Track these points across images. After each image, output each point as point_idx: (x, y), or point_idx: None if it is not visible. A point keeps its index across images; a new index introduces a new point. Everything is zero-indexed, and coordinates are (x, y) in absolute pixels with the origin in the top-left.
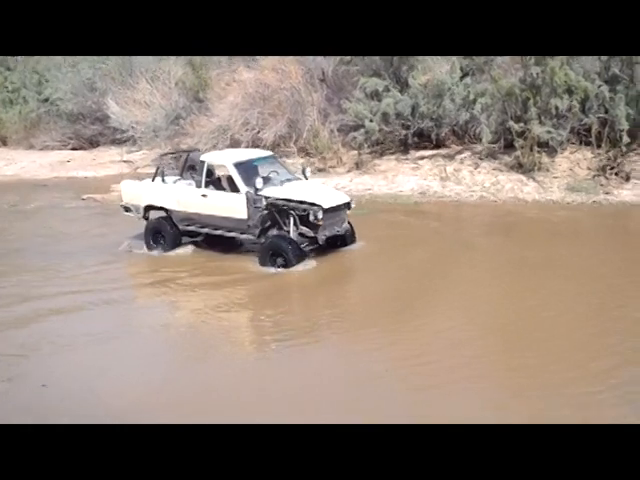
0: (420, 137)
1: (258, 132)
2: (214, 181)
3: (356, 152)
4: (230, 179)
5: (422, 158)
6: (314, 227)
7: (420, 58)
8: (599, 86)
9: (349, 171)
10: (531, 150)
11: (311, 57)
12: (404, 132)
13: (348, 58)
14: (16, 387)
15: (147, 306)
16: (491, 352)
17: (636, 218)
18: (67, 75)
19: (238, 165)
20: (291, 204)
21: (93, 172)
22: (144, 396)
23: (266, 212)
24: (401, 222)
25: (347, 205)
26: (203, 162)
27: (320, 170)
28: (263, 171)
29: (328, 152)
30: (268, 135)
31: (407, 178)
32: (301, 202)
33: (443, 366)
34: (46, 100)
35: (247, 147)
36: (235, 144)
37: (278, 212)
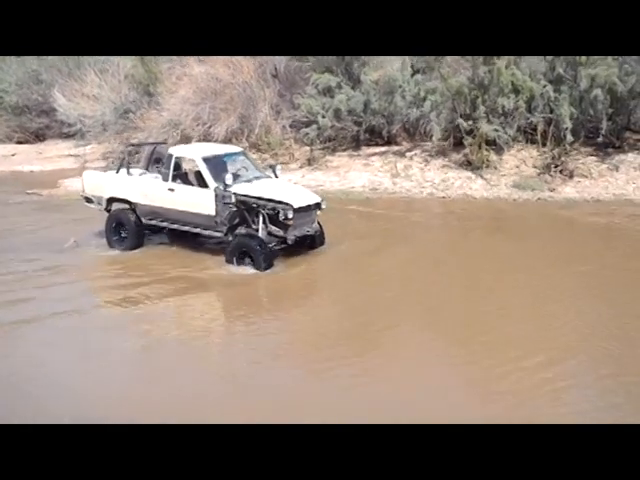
0: (372, 134)
1: (210, 127)
2: (181, 175)
3: (308, 148)
4: (198, 174)
5: (374, 155)
6: (284, 227)
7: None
8: (544, 86)
9: (301, 167)
10: (479, 148)
11: None
12: (356, 129)
13: None
14: None
15: (102, 312)
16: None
17: (578, 214)
18: (11, 67)
19: (207, 160)
20: (261, 202)
21: (39, 166)
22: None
23: (235, 209)
24: (357, 219)
25: (318, 205)
26: (171, 155)
27: (270, 167)
28: (233, 167)
29: (280, 148)
30: (219, 130)
31: (359, 174)
32: (271, 200)
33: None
34: None
35: (198, 142)
36: (186, 139)
37: (247, 210)
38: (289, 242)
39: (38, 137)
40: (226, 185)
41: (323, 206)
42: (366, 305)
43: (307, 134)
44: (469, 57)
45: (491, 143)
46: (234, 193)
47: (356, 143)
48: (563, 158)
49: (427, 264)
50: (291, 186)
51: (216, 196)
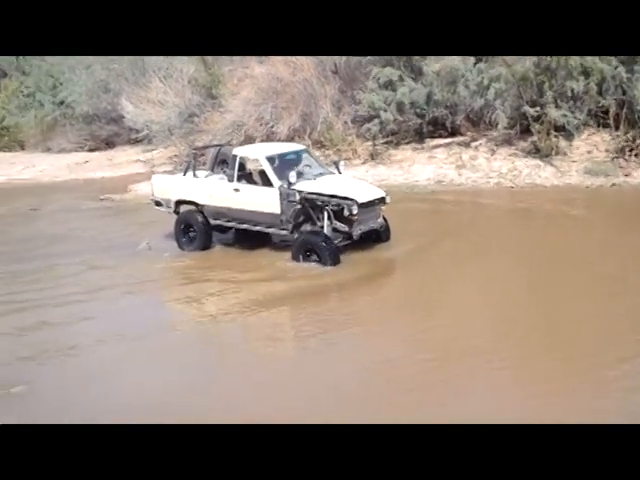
0: (435, 125)
1: (272, 126)
2: (246, 175)
3: (371, 143)
4: (262, 173)
5: (438, 146)
6: (349, 222)
7: None
8: (616, 67)
9: (364, 162)
10: (548, 134)
11: None
12: (419, 121)
13: None
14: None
15: (175, 305)
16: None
17: None
18: (81, 77)
19: (271, 159)
20: (325, 198)
21: (110, 172)
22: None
23: (299, 207)
24: (423, 212)
25: (382, 200)
26: (235, 156)
27: (333, 163)
28: (296, 165)
29: (343, 144)
30: (282, 129)
31: (423, 167)
32: (335, 197)
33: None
34: (61, 103)
35: (262, 142)
36: (249, 139)
37: (312, 207)
38: (354, 238)
39: (108, 144)
40: (290, 183)
41: (387, 200)
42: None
43: (369, 129)
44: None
45: (560, 129)
46: (298, 191)
47: (419, 136)
48: (638, 141)
49: (507, 262)
50: (355, 181)
51: (280, 194)
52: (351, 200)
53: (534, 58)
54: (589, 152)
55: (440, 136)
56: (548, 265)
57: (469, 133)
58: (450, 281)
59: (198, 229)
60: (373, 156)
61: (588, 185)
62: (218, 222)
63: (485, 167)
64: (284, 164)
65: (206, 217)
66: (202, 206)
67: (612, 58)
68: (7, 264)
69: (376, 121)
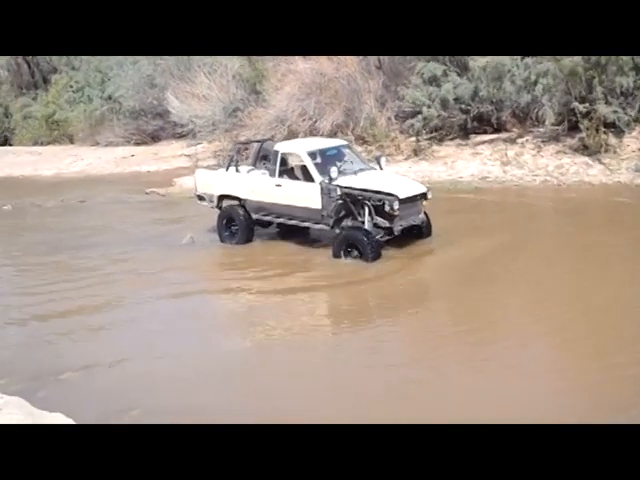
0: (480, 121)
1: (315, 122)
2: (287, 170)
3: (414, 139)
4: (304, 168)
5: (482, 143)
6: (390, 218)
7: None
8: None
9: (407, 158)
10: (597, 131)
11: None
12: (463, 117)
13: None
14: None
15: (224, 299)
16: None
17: None
18: (128, 73)
19: (312, 154)
20: (366, 194)
21: (155, 166)
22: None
23: (340, 202)
24: (466, 208)
25: (423, 195)
26: (277, 151)
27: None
28: (337, 160)
29: (386, 140)
30: (325, 125)
31: (467, 164)
32: (376, 192)
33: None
34: (109, 98)
35: (304, 137)
36: (292, 134)
37: (353, 202)
38: (395, 233)
39: (154, 138)
40: (331, 178)
41: (429, 196)
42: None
43: (413, 125)
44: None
45: (610, 125)
46: (339, 186)
47: (464, 132)
48: None
49: (553, 262)
50: (396, 177)
51: (322, 190)
52: (392, 195)
53: None
54: None
55: (485, 132)
56: (585, 266)
57: (515, 129)
58: (493, 278)
59: (240, 223)
60: (416, 152)
61: (638, 183)
62: (259, 216)
63: (531, 164)
64: (325, 159)
65: (248, 211)
66: (244, 201)
67: None
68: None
69: (419, 117)
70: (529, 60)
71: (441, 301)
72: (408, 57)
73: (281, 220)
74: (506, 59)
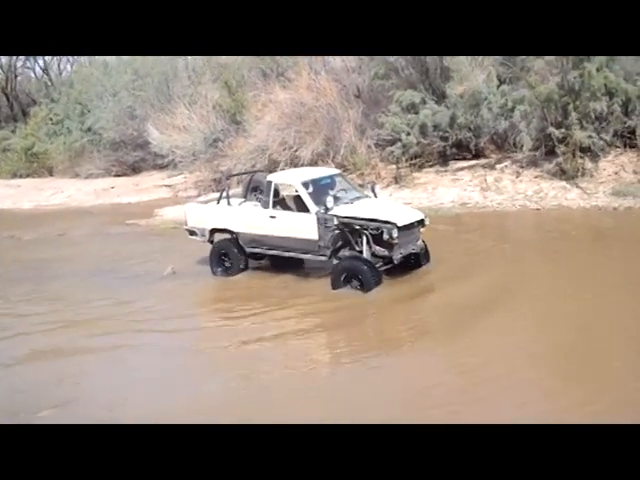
0: (459, 148)
1: (296, 151)
2: (280, 201)
3: (394, 166)
4: (297, 198)
5: (462, 169)
6: (389, 246)
7: (456, 68)
8: None
9: (388, 186)
10: (573, 156)
11: (345, 74)
12: (442, 144)
13: (383, 72)
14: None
15: (211, 332)
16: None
17: None
18: (108, 104)
19: (306, 184)
20: (364, 223)
21: (136, 197)
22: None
23: (337, 232)
24: (450, 236)
25: (421, 222)
26: (270, 182)
27: (360, 186)
28: (331, 190)
29: (366, 168)
30: (306, 153)
31: (447, 190)
32: (374, 220)
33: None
34: (89, 130)
35: (285, 166)
36: (273, 164)
37: (350, 232)
38: (395, 262)
39: (134, 170)
40: (327, 209)
41: (426, 222)
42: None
43: (392, 152)
44: (556, 63)
45: (586, 150)
46: (336, 216)
47: (443, 158)
48: None
49: (540, 285)
50: (392, 204)
51: (318, 220)
52: (391, 224)
53: (557, 79)
54: (616, 173)
55: (464, 158)
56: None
57: (493, 155)
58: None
59: (234, 257)
60: (397, 179)
61: (616, 207)
62: (254, 249)
63: (510, 189)
64: (319, 189)
65: (241, 245)
66: (237, 234)
67: (637, 78)
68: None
69: (399, 144)
70: (505, 87)
71: (442, 342)
72: (387, 85)
73: (276, 252)
74: (483, 86)
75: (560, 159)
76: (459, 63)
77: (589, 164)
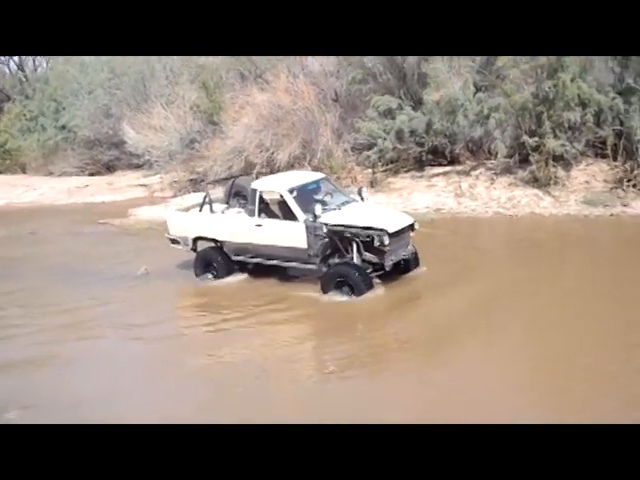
0: (434, 154)
1: (272, 153)
2: (264, 208)
3: (370, 171)
4: (282, 204)
5: (437, 175)
6: (380, 253)
7: (433, 75)
8: (613, 98)
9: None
10: (546, 164)
11: (323, 77)
12: (418, 150)
13: (360, 77)
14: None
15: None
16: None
17: None
18: (83, 102)
19: (293, 191)
20: (354, 230)
21: (110, 197)
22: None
23: (327, 240)
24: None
25: (411, 227)
26: (255, 190)
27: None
28: (318, 195)
29: (342, 172)
30: (282, 156)
31: (422, 195)
32: (365, 227)
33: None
34: (63, 127)
35: (262, 169)
36: (250, 166)
37: (340, 239)
38: (387, 268)
39: (109, 169)
40: (316, 216)
41: (416, 227)
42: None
43: (369, 157)
44: (531, 72)
45: (558, 159)
46: (325, 224)
47: (419, 164)
48: (636, 171)
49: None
50: (380, 209)
51: (307, 228)
52: (381, 230)
53: (532, 88)
54: (587, 182)
55: (439, 165)
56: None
57: (468, 162)
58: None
59: (219, 266)
60: (373, 184)
61: (586, 215)
62: (240, 257)
63: (484, 196)
64: (306, 195)
65: (227, 253)
66: (222, 242)
67: (609, 89)
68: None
69: (375, 149)
70: (481, 95)
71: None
72: (364, 90)
73: (262, 260)
74: (459, 93)
75: (533, 167)
76: (436, 70)
77: (561, 173)
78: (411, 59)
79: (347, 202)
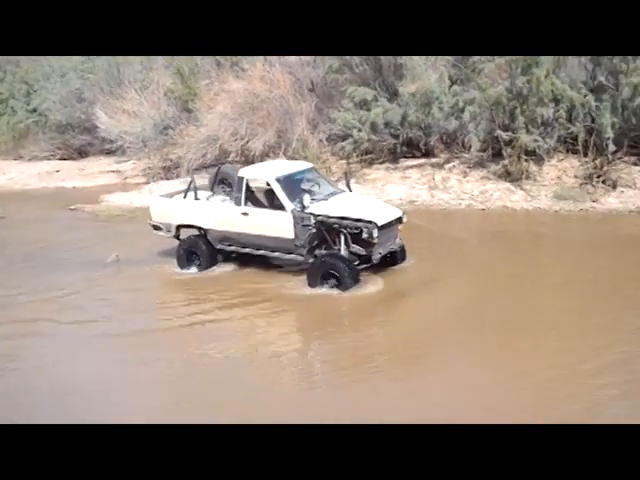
0: (409, 146)
1: (247, 142)
2: (249, 196)
3: (345, 161)
4: (268, 192)
5: (411, 167)
6: (368, 245)
7: (409, 66)
8: (585, 95)
9: (338, 180)
10: (519, 159)
11: (300, 67)
12: (393, 141)
13: (337, 67)
14: None
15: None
16: None
17: (622, 226)
18: (55, 85)
19: (280, 180)
20: (343, 222)
21: (81, 182)
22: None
23: (314, 231)
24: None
25: (399, 219)
26: (242, 178)
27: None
28: (305, 184)
29: (317, 162)
30: (257, 145)
31: (396, 187)
32: (353, 219)
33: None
34: (34, 110)
35: (236, 157)
36: (224, 154)
37: (327, 230)
38: (374, 261)
39: (81, 154)
40: (304, 206)
41: (404, 219)
42: None
43: (343, 147)
44: (506, 67)
45: (531, 154)
46: (313, 214)
47: (393, 156)
48: (605, 168)
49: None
50: (369, 201)
51: (294, 218)
52: (370, 222)
53: (507, 83)
54: (558, 177)
55: (414, 157)
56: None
57: (442, 155)
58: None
59: (202, 254)
60: (347, 175)
61: (557, 210)
62: (224, 246)
63: (457, 189)
64: (293, 184)
65: (211, 242)
66: (207, 230)
67: (581, 86)
68: None
69: (350, 140)
70: (456, 88)
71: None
72: (340, 80)
73: (247, 250)
74: (435, 86)
75: (506, 161)
76: (412, 62)
77: (533, 167)
78: None
79: (335, 193)
